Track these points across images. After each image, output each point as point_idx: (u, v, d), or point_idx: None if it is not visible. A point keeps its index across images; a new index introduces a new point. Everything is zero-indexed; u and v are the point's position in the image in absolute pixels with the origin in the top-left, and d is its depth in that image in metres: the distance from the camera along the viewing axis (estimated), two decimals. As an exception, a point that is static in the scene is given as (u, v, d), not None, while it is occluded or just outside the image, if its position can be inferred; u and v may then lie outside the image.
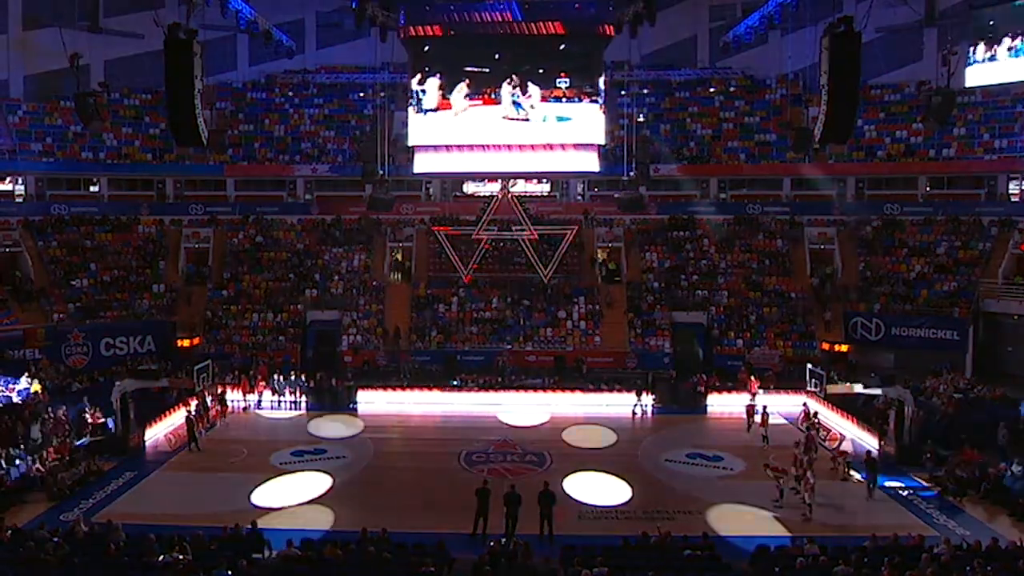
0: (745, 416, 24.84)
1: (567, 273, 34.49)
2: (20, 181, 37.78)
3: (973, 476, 19.11)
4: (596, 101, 26.58)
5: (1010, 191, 35.62)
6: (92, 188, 39.20)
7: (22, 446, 20.50)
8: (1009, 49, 34.32)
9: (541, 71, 26.41)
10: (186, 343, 31.50)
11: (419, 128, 27.22)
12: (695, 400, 28.02)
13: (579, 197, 39.49)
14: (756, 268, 35.20)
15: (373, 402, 28.01)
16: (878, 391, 23.88)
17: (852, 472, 20.29)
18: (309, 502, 18.73)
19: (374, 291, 34.55)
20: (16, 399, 23.46)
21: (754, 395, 27.35)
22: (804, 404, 25.67)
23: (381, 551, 13.37)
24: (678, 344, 32.15)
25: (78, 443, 21.52)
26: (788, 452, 20.02)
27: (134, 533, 14.39)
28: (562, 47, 26.50)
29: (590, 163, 27.72)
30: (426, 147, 27.56)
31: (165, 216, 37.96)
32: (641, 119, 37.16)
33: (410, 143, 27.58)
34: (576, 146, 27.18)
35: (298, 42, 37.59)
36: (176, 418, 24.50)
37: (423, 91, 26.82)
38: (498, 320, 32.98)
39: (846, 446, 21.96)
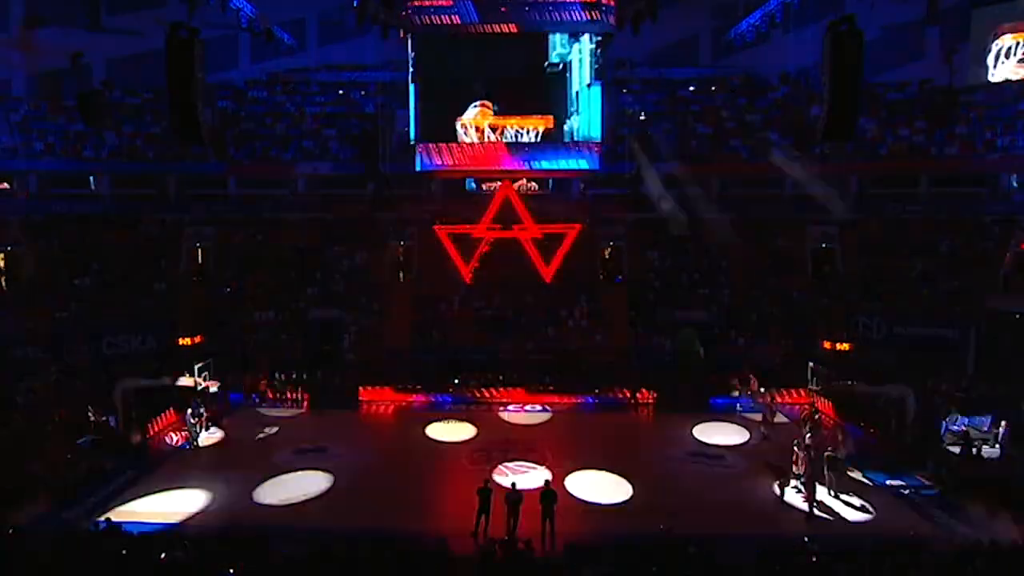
0: (762, 423, 24.32)
1: (568, 272, 34.44)
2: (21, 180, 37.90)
3: (974, 475, 19.09)
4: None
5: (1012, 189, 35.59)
6: (93, 187, 39.26)
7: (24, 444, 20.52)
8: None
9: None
10: (188, 342, 31.49)
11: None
12: (697, 399, 28.01)
13: (580, 196, 39.42)
14: (757, 267, 35.15)
15: (374, 400, 28.05)
16: (880, 390, 23.83)
17: (852, 471, 20.29)
18: (310, 501, 18.75)
19: (376, 289, 34.55)
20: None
21: (754, 394, 27.37)
22: (806, 403, 25.68)
23: (382, 550, 13.38)
24: (679, 343, 32.12)
25: (79, 442, 21.55)
26: (789, 451, 20.03)
27: (135, 532, 14.41)
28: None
29: (591, 162, 27.75)
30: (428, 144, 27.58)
31: (167, 215, 37.97)
32: (643, 118, 37.11)
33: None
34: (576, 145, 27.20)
35: (300, 40, 37.60)
36: (178, 417, 24.52)
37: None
38: (499, 319, 32.96)
39: (847, 446, 21.91)
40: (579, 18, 26.05)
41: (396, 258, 36.79)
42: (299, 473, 20.69)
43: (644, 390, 28.14)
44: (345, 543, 13.83)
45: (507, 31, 25.85)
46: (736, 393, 27.49)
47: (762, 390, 27.28)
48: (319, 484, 19.79)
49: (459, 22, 25.81)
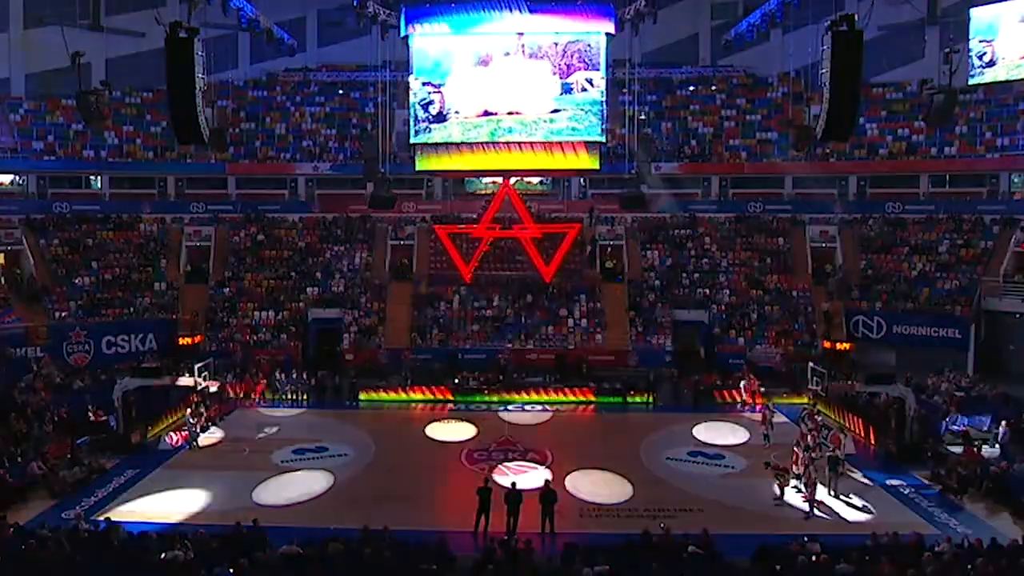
0: (762, 423, 23.88)
1: (568, 271, 34.47)
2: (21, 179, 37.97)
3: (974, 474, 19.11)
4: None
5: (1012, 189, 35.62)
6: (93, 186, 39.27)
7: (24, 444, 20.52)
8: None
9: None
10: (187, 341, 31.50)
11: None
12: (696, 398, 28.00)
13: (580, 195, 39.45)
14: (757, 266, 35.19)
15: (374, 400, 28.05)
16: (880, 389, 23.82)
17: (852, 471, 20.31)
18: (310, 500, 18.75)
19: (375, 289, 34.56)
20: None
21: (753, 394, 27.35)
22: (806, 403, 25.66)
23: (382, 549, 13.39)
24: (679, 342, 32.16)
25: (79, 441, 21.55)
26: (789, 450, 20.05)
27: (135, 531, 14.42)
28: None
29: (591, 161, 27.76)
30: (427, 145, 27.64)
31: (166, 214, 37.99)
32: (642, 117, 37.13)
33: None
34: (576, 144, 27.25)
35: (299, 40, 37.61)
36: (177, 416, 24.53)
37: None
38: (499, 318, 32.97)
39: (847, 446, 21.90)
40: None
41: (396, 258, 36.83)
42: (300, 472, 20.74)
43: (643, 390, 28.11)
44: (345, 543, 13.84)
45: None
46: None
47: (761, 389, 27.28)
48: (320, 483, 19.80)
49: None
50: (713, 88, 42.69)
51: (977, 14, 32.98)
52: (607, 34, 26.88)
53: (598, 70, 26.93)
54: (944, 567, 12.50)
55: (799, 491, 18.49)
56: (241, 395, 27.79)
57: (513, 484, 17.00)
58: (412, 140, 27.88)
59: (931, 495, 18.97)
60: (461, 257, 30.90)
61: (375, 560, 13.04)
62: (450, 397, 28.14)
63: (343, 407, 27.43)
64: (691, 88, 42.78)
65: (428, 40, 27.08)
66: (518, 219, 30.38)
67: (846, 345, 30.95)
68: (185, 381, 24.22)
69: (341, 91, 42.69)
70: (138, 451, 22.11)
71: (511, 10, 26.57)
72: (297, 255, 36.40)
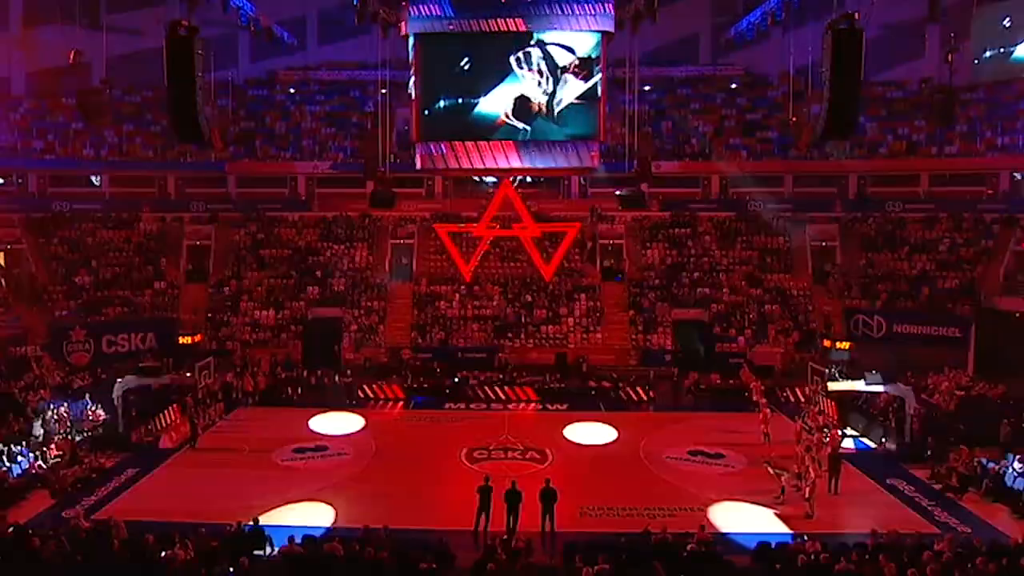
0: (762, 422, 24.19)
1: (568, 271, 34.44)
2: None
3: (974, 473, 19.11)
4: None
5: (1012, 188, 35.61)
6: (93, 185, 39.25)
7: (24, 443, 20.52)
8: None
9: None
10: (188, 340, 31.47)
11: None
12: (696, 398, 28.02)
13: (580, 194, 39.40)
14: (757, 265, 35.18)
15: (374, 399, 28.06)
16: (880, 388, 23.82)
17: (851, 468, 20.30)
18: (310, 499, 18.75)
19: (376, 288, 34.54)
20: None
21: (754, 392, 27.33)
22: (806, 402, 25.67)
23: (382, 548, 13.37)
24: (679, 341, 32.15)
25: (79, 440, 21.55)
26: (789, 450, 20.04)
27: (135, 530, 14.40)
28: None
29: (591, 160, 27.67)
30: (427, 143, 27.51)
31: (166, 213, 37.97)
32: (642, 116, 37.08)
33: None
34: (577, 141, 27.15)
35: (300, 39, 37.59)
36: (178, 415, 24.53)
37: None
38: (499, 318, 32.97)
39: (847, 444, 21.92)
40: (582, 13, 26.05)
41: (396, 257, 36.80)
42: (300, 472, 20.74)
43: (644, 389, 28.11)
44: (345, 543, 13.82)
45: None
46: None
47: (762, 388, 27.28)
48: (320, 482, 19.81)
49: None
50: (713, 87, 42.62)
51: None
52: (607, 33, 26.81)
53: (598, 69, 26.86)
54: (944, 567, 12.48)
55: (799, 490, 18.48)
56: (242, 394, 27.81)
57: (513, 483, 16.99)
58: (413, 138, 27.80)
59: (931, 495, 18.97)
60: (461, 256, 30.87)
61: (375, 560, 13.02)
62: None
63: (343, 406, 27.41)
64: (691, 87, 42.73)
65: (430, 38, 27.00)
66: (518, 218, 30.33)
67: (846, 345, 30.89)
68: (185, 381, 24.22)
69: (341, 90, 42.66)
70: (138, 450, 22.11)
71: (510, 8, 26.48)
72: (297, 254, 36.38)
